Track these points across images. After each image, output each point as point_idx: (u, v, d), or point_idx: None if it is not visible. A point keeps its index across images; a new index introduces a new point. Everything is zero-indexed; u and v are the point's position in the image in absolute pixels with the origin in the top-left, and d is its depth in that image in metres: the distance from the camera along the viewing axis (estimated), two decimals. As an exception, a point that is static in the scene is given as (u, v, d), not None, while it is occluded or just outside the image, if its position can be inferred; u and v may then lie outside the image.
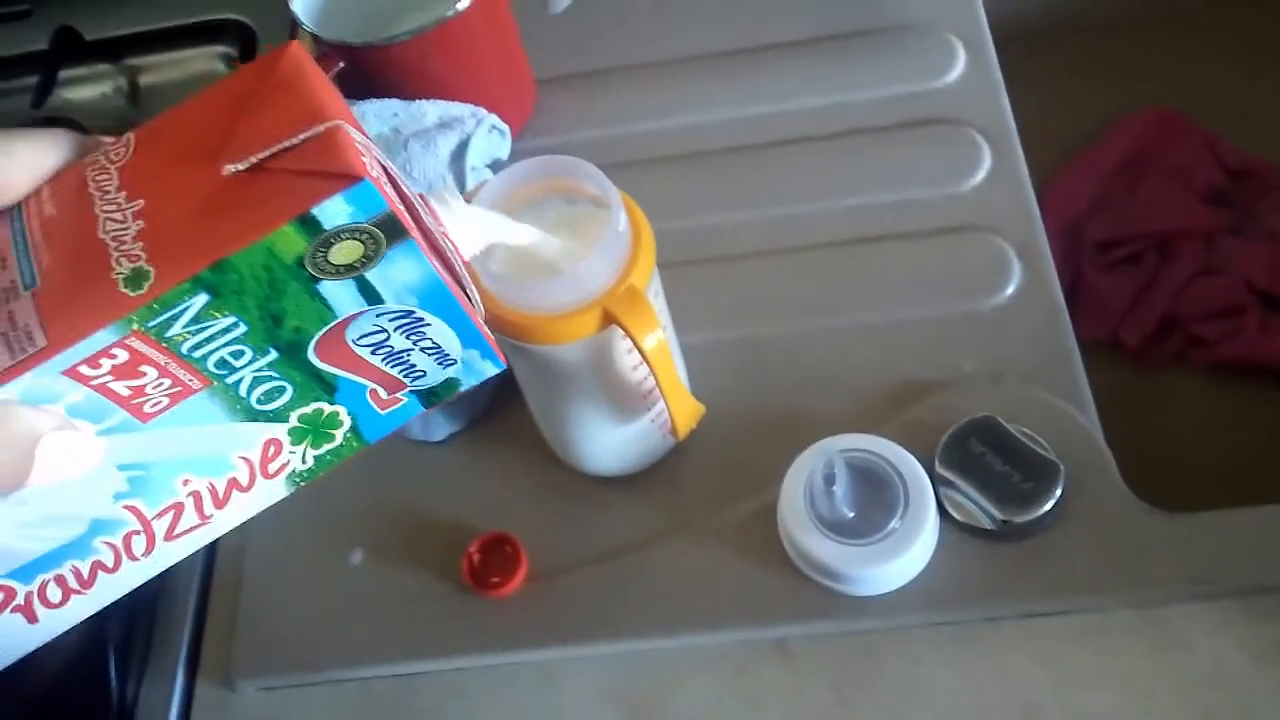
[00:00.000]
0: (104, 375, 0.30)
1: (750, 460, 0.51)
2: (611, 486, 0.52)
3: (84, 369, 0.30)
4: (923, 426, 0.50)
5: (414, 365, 0.34)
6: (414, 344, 0.33)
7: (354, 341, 0.32)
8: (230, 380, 0.32)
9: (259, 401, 0.33)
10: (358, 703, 0.50)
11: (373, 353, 0.33)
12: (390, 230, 0.30)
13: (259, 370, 0.32)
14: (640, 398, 0.46)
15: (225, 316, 0.30)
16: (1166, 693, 0.44)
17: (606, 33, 0.72)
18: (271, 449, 0.34)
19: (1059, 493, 0.46)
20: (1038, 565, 0.47)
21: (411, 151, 0.56)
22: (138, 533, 0.34)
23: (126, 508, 0.34)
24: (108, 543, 0.34)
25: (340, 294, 0.31)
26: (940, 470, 0.47)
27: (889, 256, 0.58)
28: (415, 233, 0.31)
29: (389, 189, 0.31)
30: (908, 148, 0.62)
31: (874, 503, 0.46)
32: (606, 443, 0.49)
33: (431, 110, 0.58)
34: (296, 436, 0.34)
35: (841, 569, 0.45)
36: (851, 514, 0.46)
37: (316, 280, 0.30)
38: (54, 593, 0.34)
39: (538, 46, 0.69)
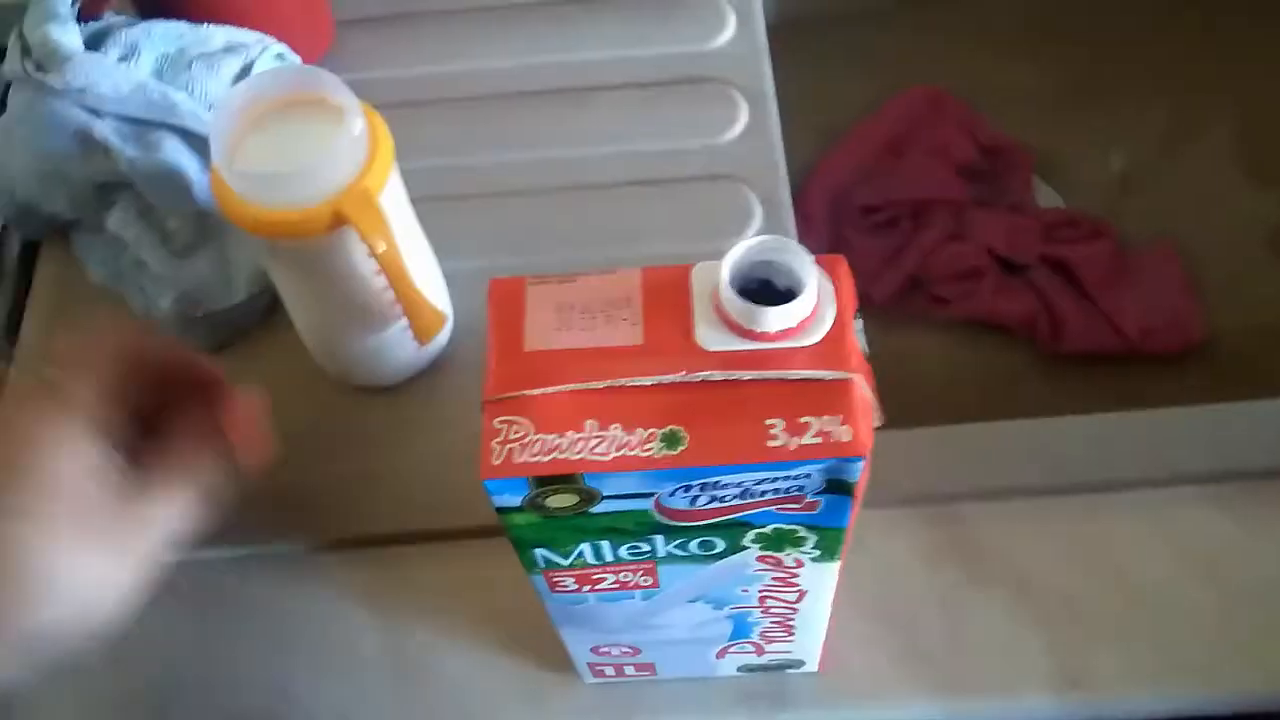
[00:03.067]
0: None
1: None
2: (374, 396, 0.56)
3: None
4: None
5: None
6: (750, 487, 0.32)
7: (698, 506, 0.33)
8: (661, 557, 0.35)
9: (704, 549, 0.35)
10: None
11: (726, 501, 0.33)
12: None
13: (670, 549, 0.35)
14: (389, 305, 0.49)
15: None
16: (847, 590, 0.50)
17: (409, -22, 0.75)
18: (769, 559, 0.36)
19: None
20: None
21: (195, 72, 0.58)
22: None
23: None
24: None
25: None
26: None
27: (648, 200, 0.63)
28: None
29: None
30: (676, 102, 0.67)
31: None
32: (360, 351, 0.52)
33: (218, 34, 0.60)
34: (774, 545, 0.35)
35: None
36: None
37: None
38: None
39: (342, -12, 0.72)
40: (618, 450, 0.30)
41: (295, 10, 0.68)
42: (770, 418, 0.30)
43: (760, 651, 0.45)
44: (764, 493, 0.31)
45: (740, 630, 0.43)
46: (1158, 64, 0.83)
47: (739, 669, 0.48)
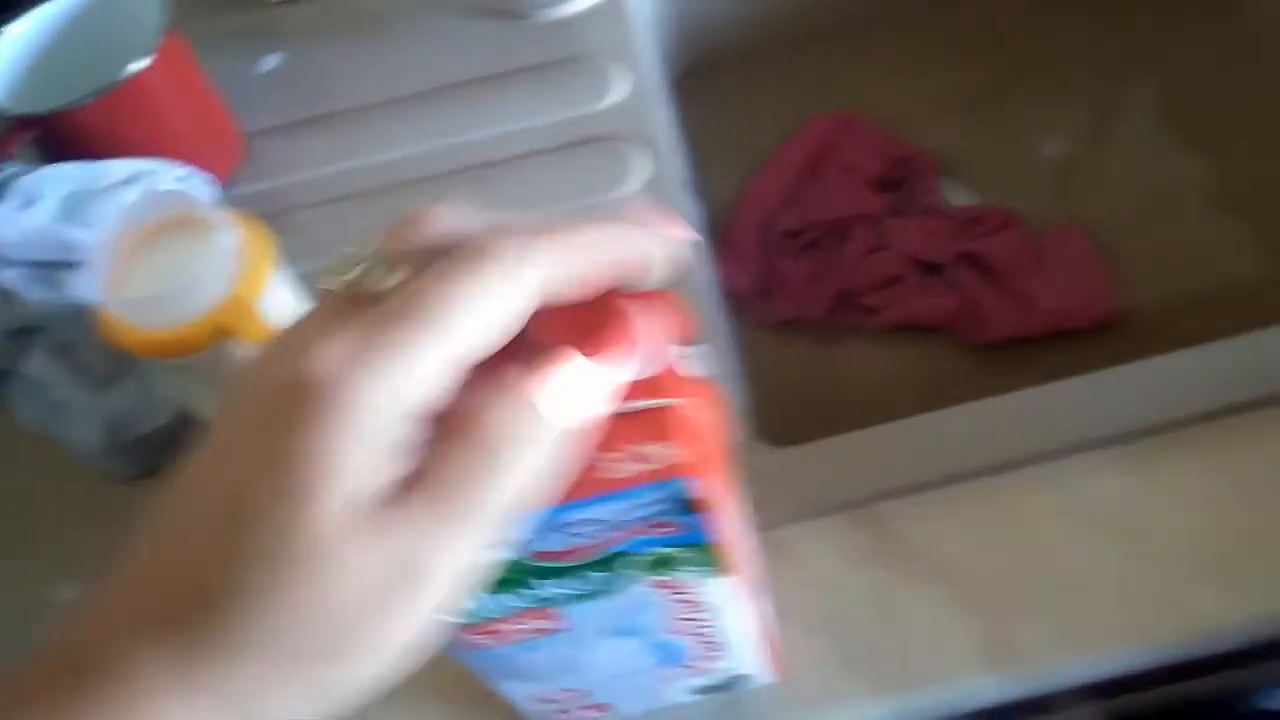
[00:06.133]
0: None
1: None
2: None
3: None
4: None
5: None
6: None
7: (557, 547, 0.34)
8: (558, 599, 0.37)
9: (596, 585, 0.36)
10: None
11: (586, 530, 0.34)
12: None
13: (562, 590, 0.36)
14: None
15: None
16: (786, 604, 0.51)
17: (311, 86, 0.78)
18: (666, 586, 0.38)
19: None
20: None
21: (99, 207, 0.60)
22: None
23: None
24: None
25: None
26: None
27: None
28: None
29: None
30: (579, 163, 0.69)
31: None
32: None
33: (118, 168, 0.62)
34: (660, 569, 0.37)
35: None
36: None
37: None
38: None
39: (247, 102, 0.75)
40: None
41: (198, 134, 0.70)
42: (605, 451, 0.31)
43: (703, 672, 0.46)
44: (625, 522, 0.33)
45: (671, 656, 0.44)
46: (1061, 54, 0.85)
47: (693, 692, 0.49)
